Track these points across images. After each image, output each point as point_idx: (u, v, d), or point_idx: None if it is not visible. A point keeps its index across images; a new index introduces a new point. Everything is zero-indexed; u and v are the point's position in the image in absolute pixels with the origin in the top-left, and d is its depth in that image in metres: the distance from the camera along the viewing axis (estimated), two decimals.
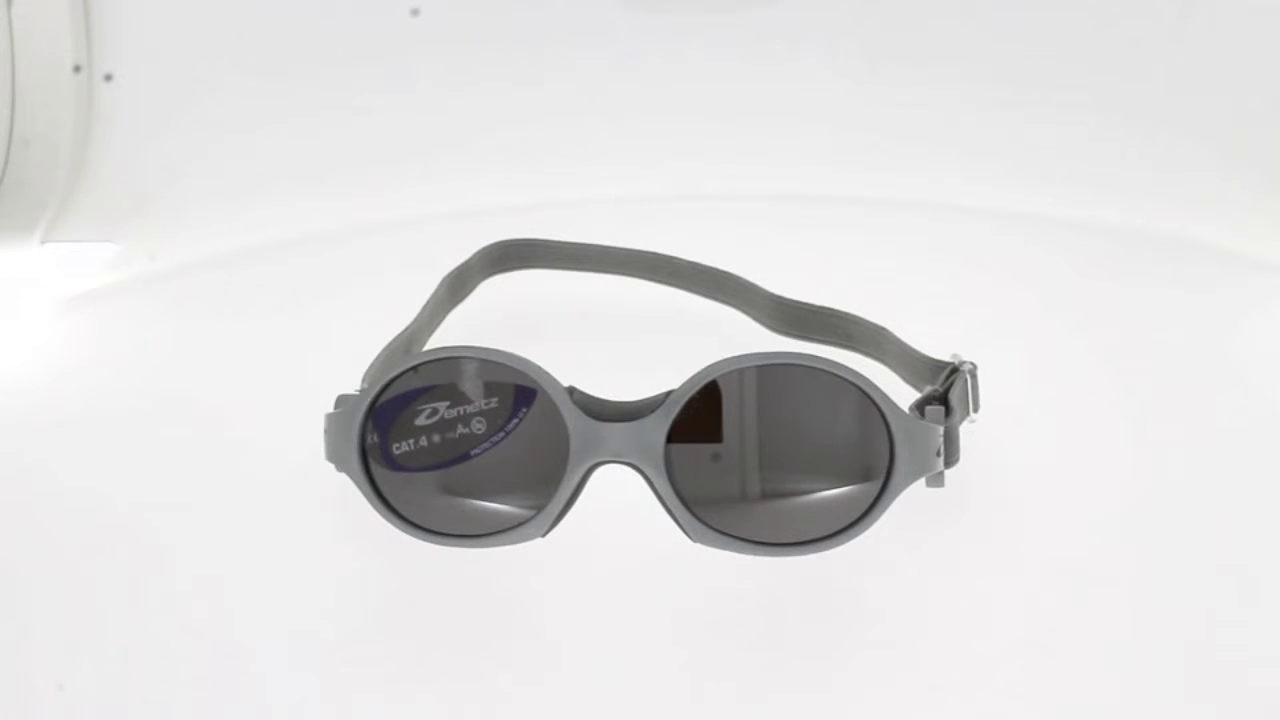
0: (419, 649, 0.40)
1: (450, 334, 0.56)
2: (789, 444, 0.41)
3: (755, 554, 0.40)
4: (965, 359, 0.45)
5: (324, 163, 0.79)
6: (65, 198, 0.78)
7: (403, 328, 0.52)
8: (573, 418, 0.40)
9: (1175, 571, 0.43)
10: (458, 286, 0.59)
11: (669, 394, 0.40)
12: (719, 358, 0.40)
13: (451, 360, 0.42)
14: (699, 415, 0.40)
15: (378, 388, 0.41)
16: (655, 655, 0.39)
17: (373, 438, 0.41)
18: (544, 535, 0.41)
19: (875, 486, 0.40)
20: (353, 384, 0.46)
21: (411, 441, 0.42)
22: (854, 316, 0.53)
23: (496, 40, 0.82)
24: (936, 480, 0.42)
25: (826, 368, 0.40)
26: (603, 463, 0.40)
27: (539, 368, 0.40)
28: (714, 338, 0.54)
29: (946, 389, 0.44)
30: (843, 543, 0.40)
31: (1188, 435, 0.50)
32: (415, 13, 0.81)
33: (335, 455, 0.42)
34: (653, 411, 0.39)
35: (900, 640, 0.40)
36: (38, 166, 0.78)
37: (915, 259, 0.66)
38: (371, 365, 0.46)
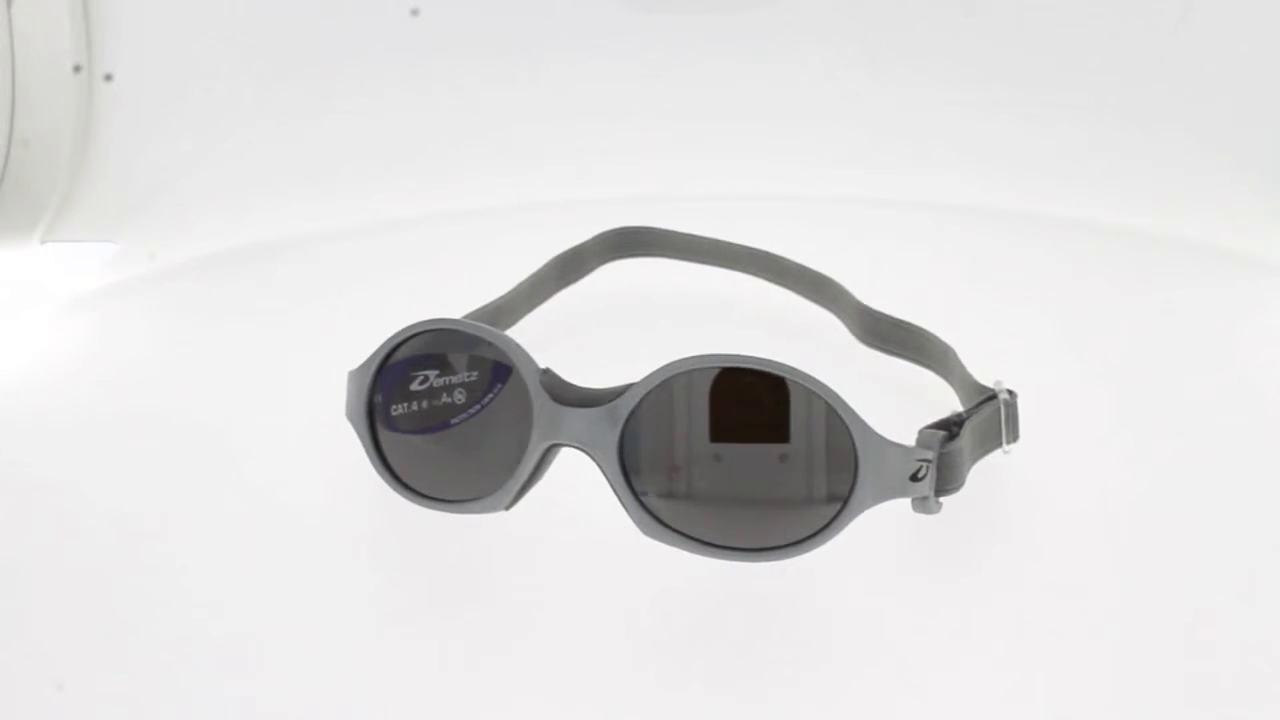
0: (418, 648, 0.40)
1: (560, 312, 0.59)
2: (750, 449, 0.40)
3: (702, 555, 0.39)
4: (1006, 386, 0.44)
5: (323, 163, 0.79)
6: (65, 198, 0.78)
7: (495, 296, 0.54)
8: (538, 398, 0.40)
9: (1175, 573, 0.42)
10: (569, 268, 0.61)
11: (629, 385, 0.40)
12: (704, 354, 0.39)
13: (445, 331, 0.43)
14: (660, 410, 0.40)
15: (385, 350, 0.43)
16: (621, 649, 0.39)
17: (378, 397, 0.43)
18: (507, 509, 0.41)
19: (835, 504, 0.39)
20: None
21: (405, 405, 0.43)
22: (926, 332, 0.52)
23: (496, 40, 0.82)
24: (924, 506, 0.40)
25: (793, 377, 0.39)
26: (559, 445, 0.40)
27: (518, 346, 0.41)
28: (807, 341, 0.56)
29: (967, 415, 0.42)
30: (794, 556, 0.39)
31: (1188, 435, 0.50)
32: (415, 13, 0.81)
33: (349, 411, 0.44)
34: (611, 400, 0.40)
35: (888, 645, 0.40)
36: (38, 166, 0.78)
37: (914, 259, 0.66)
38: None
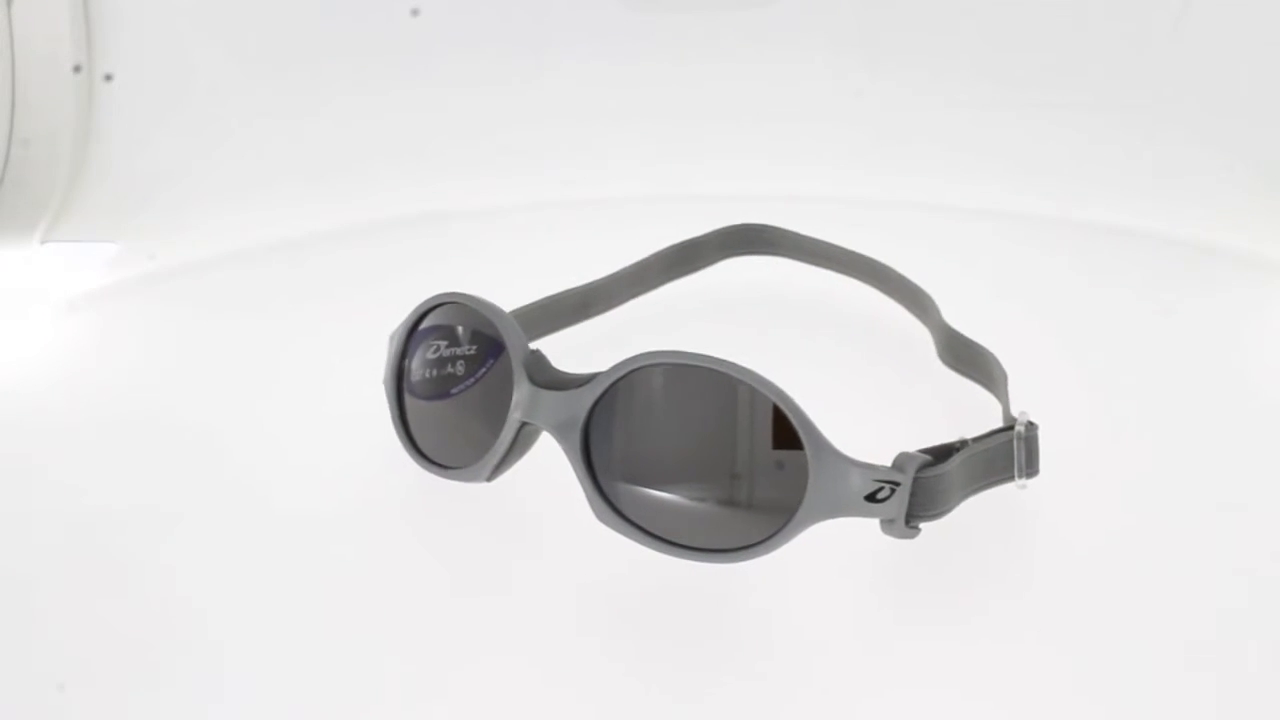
0: (423, 644, 0.40)
1: (663, 302, 0.60)
2: (708, 450, 0.40)
3: (650, 548, 0.40)
4: (1027, 419, 0.43)
5: (324, 162, 0.79)
6: (65, 198, 0.78)
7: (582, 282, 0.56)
8: (520, 378, 0.42)
9: (1175, 575, 0.42)
10: (682, 259, 0.62)
11: (597, 374, 0.40)
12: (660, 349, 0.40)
13: (461, 306, 0.45)
14: (626, 402, 0.40)
15: (415, 317, 0.45)
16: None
17: (407, 362, 0.46)
18: (488, 480, 0.43)
19: (784, 514, 0.39)
20: (351, 382, 0.46)
21: (422, 371, 0.46)
22: (991, 356, 0.50)
23: (496, 40, 0.82)
24: (891, 529, 0.39)
25: (754, 383, 0.38)
26: (529, 425, 0.42)
27: (513, 326, 0.43)
28: (891, 352, 0.56)
29: (972, 441, 0.41)
30: (737, 561, 0.39)
31: (1186, 435, 0.50)
32: (415, 13, 0.82)
33: (384, 372, 0.46)
34: (579, 387, 0.40)
35: (837, 659, 0.39)
36: (38, 166, 0.78)
37: (912, 259, 0.66)
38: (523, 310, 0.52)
